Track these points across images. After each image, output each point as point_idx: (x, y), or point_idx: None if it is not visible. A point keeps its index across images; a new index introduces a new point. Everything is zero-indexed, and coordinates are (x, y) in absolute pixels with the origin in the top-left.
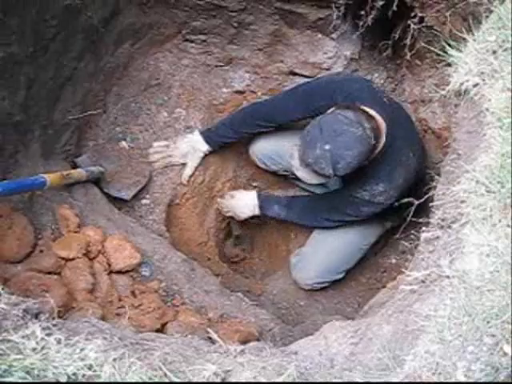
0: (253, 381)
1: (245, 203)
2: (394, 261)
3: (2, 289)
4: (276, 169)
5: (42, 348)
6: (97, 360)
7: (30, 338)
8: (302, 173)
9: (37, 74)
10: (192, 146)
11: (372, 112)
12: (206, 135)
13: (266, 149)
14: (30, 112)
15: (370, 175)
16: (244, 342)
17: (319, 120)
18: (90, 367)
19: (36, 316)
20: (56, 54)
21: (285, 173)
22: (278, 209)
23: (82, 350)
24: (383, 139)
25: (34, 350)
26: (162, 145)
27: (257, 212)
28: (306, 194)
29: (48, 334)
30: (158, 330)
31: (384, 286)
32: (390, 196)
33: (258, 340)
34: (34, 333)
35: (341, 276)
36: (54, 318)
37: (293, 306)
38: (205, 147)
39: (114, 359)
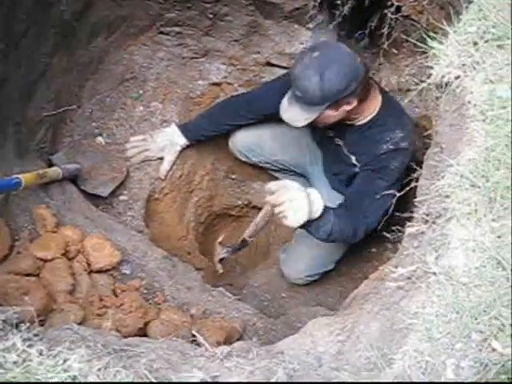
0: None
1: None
2: (374, 250)
3: None
4: (257, 160)
5: (24, 360)
6: (81, 371)
7: (10, 351)
8: (287, 113)
9: (8, 71)
10: (169, 140)
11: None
12: (184, 128)
13: (246, 140)
14: (2, 110)
15: (382, 130)
16: (228, 338)
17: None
18: (74, 378)
19: (16, 326)
20: (28, 50)
21: (266, 165)
22: (332, 218)
23: (65, 360)
24: (379, 99)
25: (15, 363)
26: (139, 139)
27: (317, 215)
28: None
29: (29, 346)
30: (140, 329)
31: (366, 277)
32: (411, 142)
33: (241, 335)
34: (14, 345)
35: (331, 267)
36: (34, 328)
37: (275, 297)
38: (182, 140)
39: (99, 369)
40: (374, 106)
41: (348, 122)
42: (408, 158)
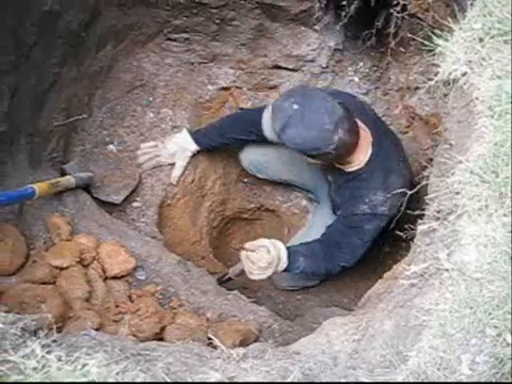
0: None
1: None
2: (387, 249)
3: None
4: (262, 177)
5: (43, 367)
6: (99, 375)
7: (30, 358)
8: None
9: (19, 83)
10: (180, 146)
11: (358, 122)
12: (195, 135)
13: (252, 158)
14: (14, 121)
15: (365, 187)
16: (244, 341)
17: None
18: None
19: (35, 333)
20: (37, 61)
21: (272, 180)
22: (303, 260)
23: (83, 366)
24: (369, 150)
25: (34, 369)
26: (150, 145)
27: (283, 267)
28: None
29: (48, 352)
30: (157, 334)
31: (380, 277)
32: (391, 206)
33: (257, 338)
34: (33, 351)
35: (314, 283)
36: (52, 334)
37: (290, 300)
38: (193, 146)
39: (117, 373)
40: (360, 158)
41: (337, 166)
42: (385, 222)
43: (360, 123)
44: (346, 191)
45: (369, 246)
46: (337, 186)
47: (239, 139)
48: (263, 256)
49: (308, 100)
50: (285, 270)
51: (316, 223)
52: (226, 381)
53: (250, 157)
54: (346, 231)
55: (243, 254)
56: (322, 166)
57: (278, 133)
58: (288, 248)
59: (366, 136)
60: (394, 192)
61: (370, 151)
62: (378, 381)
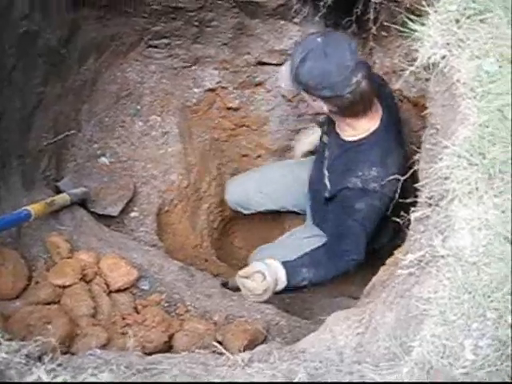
0: None
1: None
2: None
3: (2, 337)
4: (249, 212)
5: None
6: None
7: None
8: (282, 67)
9: (4, 106)
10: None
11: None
12: None
13: (233, 198)
14: (3, 145)
15: (361, 159)
16: (253, 341)
17: None
18: None
19: (39, 358)
20: (19, 83)
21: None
22: (307, 271)
23: None
24: (376, 124)
25: None
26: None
27: (282, 286)
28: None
29: (54, 377)
30: (165, 343)
31: (383, 263)
32: (384, 184)
33: (265, 337)
34: (39, 378)
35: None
36: (57, 358)
37: (297, 294)
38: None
39: None
40: (365, 127)
41: (338, 131)
42: (377, 200)
43: (375, 99)
44: (341, 161)
45: (369, 230)
46: (333, 157)
47: None
48: (258, 283)
49: (332, 36)
50: (289, 288)
51: (294, 235)
52: None
53: (231, 198)
54: (339, 215)
55: (238, 281)
56: (324, 138)
57: (297, 66)
58: (285, 263)
59: (377, 108)
60: (389, 173)
61: (376, 125)
62: (382, 376)
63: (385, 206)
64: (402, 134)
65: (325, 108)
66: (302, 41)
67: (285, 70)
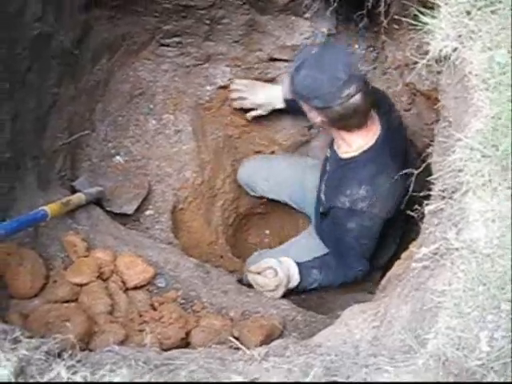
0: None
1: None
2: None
3: (22, 334)
4: (254, 194)
5: None
6: None
7: (56, 380)
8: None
9: (18, 109)
10: (269, 100)
11: (373, 113)
12: (289, 101)
13: (242, 178)
14: (18, 147)
15: (352, 177)
16: (269, 336)
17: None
18: None
19: (59, 355)
20: (34, 85)
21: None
22: (317, 272)
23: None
24: (371, 141)
25: None
26: (243, 83)
27: (295, 284)
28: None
29: (74, 373)
30: (182, 339)
31: (398, 258)
32: (373, 204)
33: (282, 332)
34: (59, 374)
35: None
36: (76, 354)
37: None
38: (280, 105)
39: None
40: (360, 143)
41: (335, 148)
42: (367, 220)
43: (374, 114)
44: (335, 180)
45: (370, 245)
46: (329, 171)
47: None
48: (270, 279)
49: (329, 47)
50: (299, 289)
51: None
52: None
53: (240, 177)
54: (334, 232)
55: (250, 277)
56: (327, 151)
57: (292, 75)
58: (298, 264)
59: (374, 124)
60: (379, 193)
61: (371, 142)
62: (398, 368)
63: (377, 225)
64: (408, 156)
65: (318, 119)
66: (300, 51)
67: (286, 80)
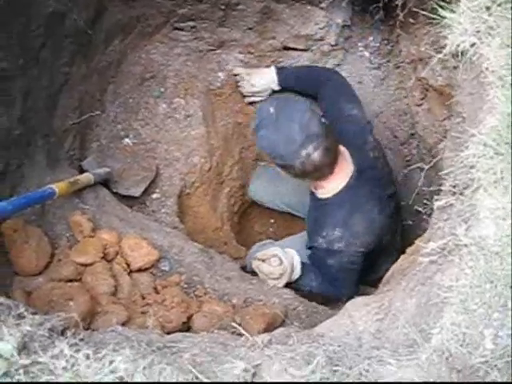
0: (283, 373)
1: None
2: (410, 222)
3: (26, 310)
4: (271, 206)
5: (72, 365)
6: (127, 371)
7: (59, 358)
8: None
9: (30, 86)
10: (264, 85)
11: (343, 151)
12: (281, 76)
13: (255, 196)
14: (29, 124)
15: (326, 219)
16: (271, 324)
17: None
18: (121, 378)
19: (62, 333)
20: (47, 63)
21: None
22: (315, 278)
23: (111, 362)
24: (343, 182)
25: (64, 368)
26: (242, 72)
27: (296, 277)
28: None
29: (76, 351)
30: (184, 323)
31: (403, 252)
32: (350, 243)
33: (283, 321)
34: (62, 351)
35: None
36: (79, 333)
37: None
38: (276, 87)
39: (144, 367)
40: (333, 186)
41: (312, 188)
42: (346, 258)
43: (346, 153)
44: (312, 218)
45: (354, 277)
46: (309, 212)
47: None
48: (275, 268)
49: (286, 108)
50: (297, 284)
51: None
52: (251, 369)
53: (251, 195)
54: (318, 267)
55: (255, 264)
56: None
57: (253, 133)
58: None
59: (345, 166)
60: (353, 232)
61: (343, 183)
62: (400, 362)
63: (358, 258)
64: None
65: (283, 174)
66: (259, 107)
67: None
